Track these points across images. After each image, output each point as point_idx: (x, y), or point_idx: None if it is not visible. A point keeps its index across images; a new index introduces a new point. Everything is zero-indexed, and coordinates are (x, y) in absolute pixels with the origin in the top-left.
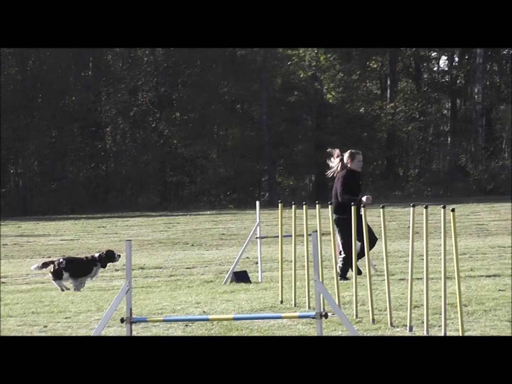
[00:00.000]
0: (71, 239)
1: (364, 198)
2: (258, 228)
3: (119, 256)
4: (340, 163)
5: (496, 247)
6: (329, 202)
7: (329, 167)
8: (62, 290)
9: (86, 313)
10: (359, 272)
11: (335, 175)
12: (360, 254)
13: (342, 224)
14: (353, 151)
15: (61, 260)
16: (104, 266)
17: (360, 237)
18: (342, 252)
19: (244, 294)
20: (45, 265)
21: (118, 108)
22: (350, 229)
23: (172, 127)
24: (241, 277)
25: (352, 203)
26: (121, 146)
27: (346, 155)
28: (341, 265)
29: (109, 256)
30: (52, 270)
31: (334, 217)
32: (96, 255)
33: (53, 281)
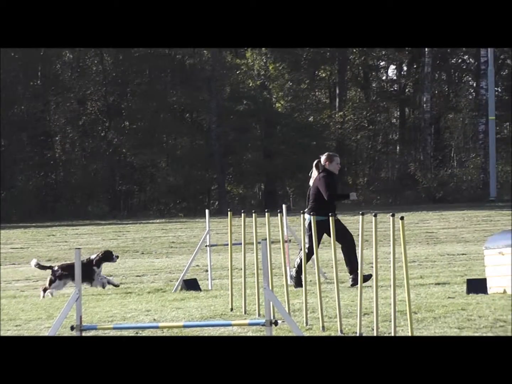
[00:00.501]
0: (20, 247)
1: (351, 195)
2: (207, 236)
3: (117, 256)
4: (317, 165)
5: (445, 255)
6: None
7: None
8: (51, 295)
9: (37, 320)
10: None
11: (311, 179)
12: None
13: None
14: (330, 153)
15: (56, 268)
16: (98, 266)
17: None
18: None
19: (194, 302)
20: (42, 267)
21: (67, 117)
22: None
23: (121, 136)
24: (191, 285)
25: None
26: (71, 155)
27: (323, 157)
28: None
29: (106, 257)
30: (49, 280)
31: (315, 219)
32: (93, 256)
33: (45, 290)
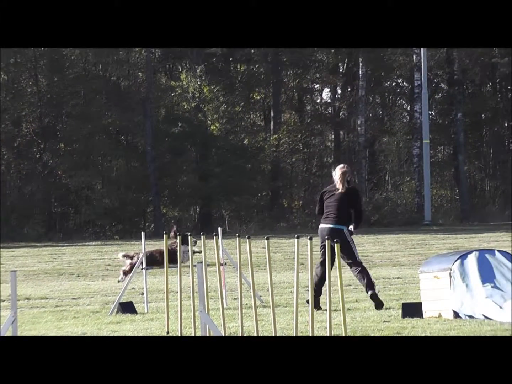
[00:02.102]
0: None
1: None
2: (143, 259)
3: (195, 241)
4: (346, 178)
5: (381, 278)
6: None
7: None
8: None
9: None
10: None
11: (341, 189)
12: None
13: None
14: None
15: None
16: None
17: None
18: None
19: (130, 325)
20: (127, 256)
21: (2, 138)
22: None
23: (56, 158)
24: (127, 307)
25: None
26: (6, 177)
27: (349, 170)
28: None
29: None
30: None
31: (344, 229)
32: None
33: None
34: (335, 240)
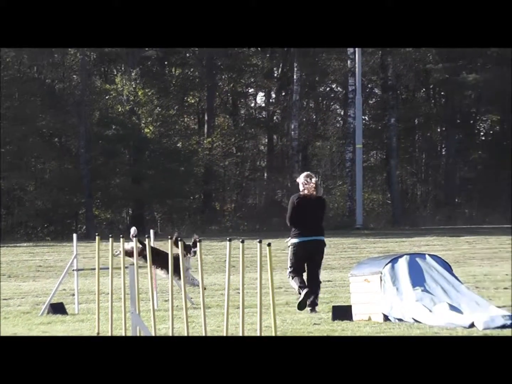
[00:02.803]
0: None
1: None
2: (75, 260)
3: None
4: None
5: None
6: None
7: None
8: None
9: None
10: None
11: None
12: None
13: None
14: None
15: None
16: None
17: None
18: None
19: (61, 326)
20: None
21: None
22: None
23: None
24: (57, 308)
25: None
26: None
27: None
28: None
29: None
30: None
31: (323, 240)
32: None
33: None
34: None
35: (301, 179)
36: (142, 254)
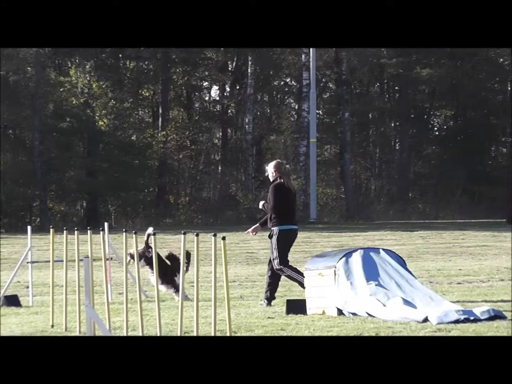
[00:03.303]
0: None
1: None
2: (29, 252)
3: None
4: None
5: (266, 275)
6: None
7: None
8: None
9: None
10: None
11: (292, 187)
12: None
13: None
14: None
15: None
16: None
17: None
18: (282, 270)
19: (15, 318)
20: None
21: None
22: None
23: None
24: (11, 301)
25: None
26: None
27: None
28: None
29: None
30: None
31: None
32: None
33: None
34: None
35: (274, 166)
36: (144, 255)
